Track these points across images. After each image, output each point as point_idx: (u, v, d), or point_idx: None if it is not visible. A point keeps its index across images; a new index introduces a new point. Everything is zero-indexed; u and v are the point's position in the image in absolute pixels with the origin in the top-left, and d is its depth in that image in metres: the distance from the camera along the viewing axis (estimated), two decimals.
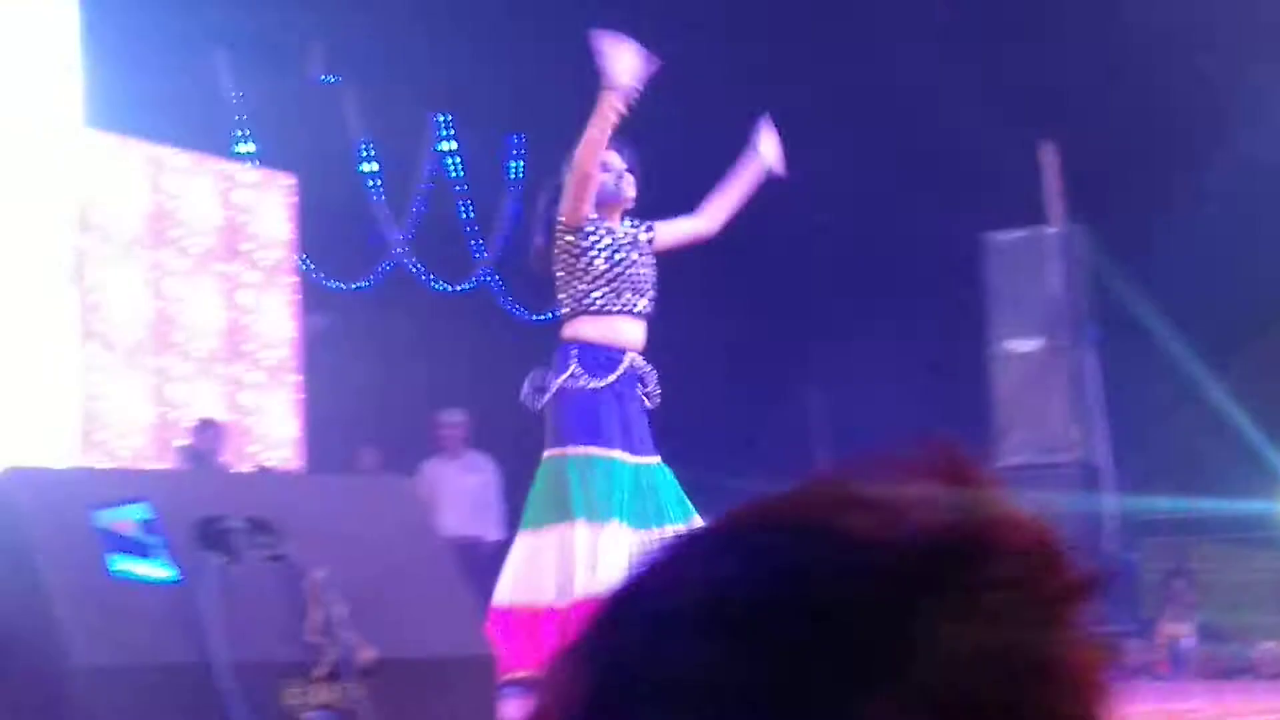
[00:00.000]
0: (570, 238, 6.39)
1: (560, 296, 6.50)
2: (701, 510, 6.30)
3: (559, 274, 6.49)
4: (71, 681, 3.59)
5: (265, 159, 12.84)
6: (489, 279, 14.42)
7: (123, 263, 11.84)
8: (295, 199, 12.77)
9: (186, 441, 11.23)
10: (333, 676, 3.92)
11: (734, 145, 6.89)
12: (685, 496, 6.36)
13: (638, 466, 6.33)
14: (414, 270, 13.98)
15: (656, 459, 6.47)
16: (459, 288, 14.29)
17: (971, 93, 11.80)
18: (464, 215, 14.36)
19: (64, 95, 11.77)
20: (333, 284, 13.54)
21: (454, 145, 14.34)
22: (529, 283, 15.14)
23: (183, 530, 3.95)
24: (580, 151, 6.26)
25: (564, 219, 6.38)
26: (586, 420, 6.30)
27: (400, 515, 4.41)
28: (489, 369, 13.28)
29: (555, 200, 6.48)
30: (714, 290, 12.48)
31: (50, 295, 11.60)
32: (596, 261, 6.38)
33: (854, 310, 12.88)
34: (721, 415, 13.30)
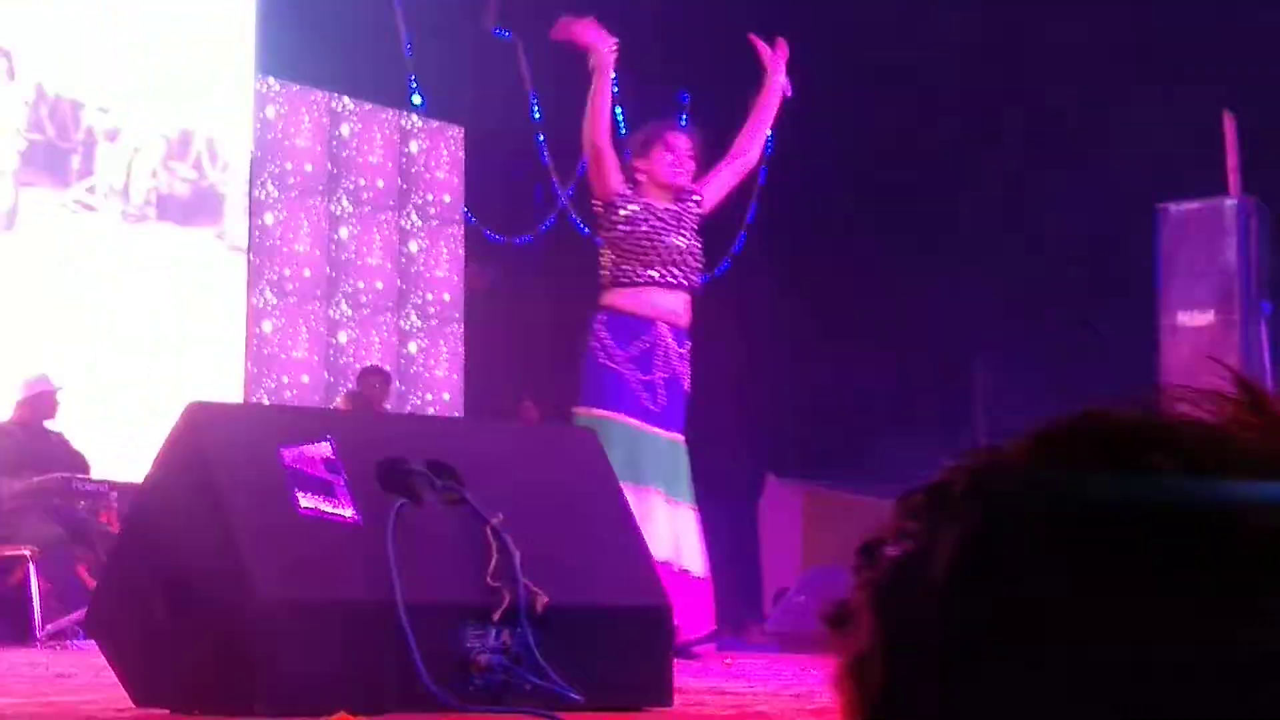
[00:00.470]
0: (601, 210, 6.48)
1: (600, 262, 6.60)
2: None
3: (598, 243, 6.61)
4: (257, 615, 3.62)
5: (436, 111, 12.92)
6: None
7: (295, 209, 11.98)
8: (464, 151, 12.84)
9: (351, 387, 11.36)
10: (509, 621, 3.93)
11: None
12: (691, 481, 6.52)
13: (670, 441, 6.44)
14: (578, 225, 13.99)
15: (679, 437, 6.55)
16: None
17: (1150, 59, 11.58)
18: None
19: (239, 44, 11.93)
20: (497, 237, 13.59)
21: (619, 104, 14.31)
22: None
23: (365, 471, 3.97)
24: (585, 128, 6.38)
25: (594, 193, 6.48)
26: (605, 385, 6.43)
27: (580, 464, 4.41)
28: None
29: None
30: (880, 266, 12.39)
31: (223, 240, 11.78)
32: (626, 234, 6.45)
33: (1021, 281, 12.71)
34: (889, 389, 13.20)
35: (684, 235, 6.61)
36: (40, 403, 9.61)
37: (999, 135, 12.46)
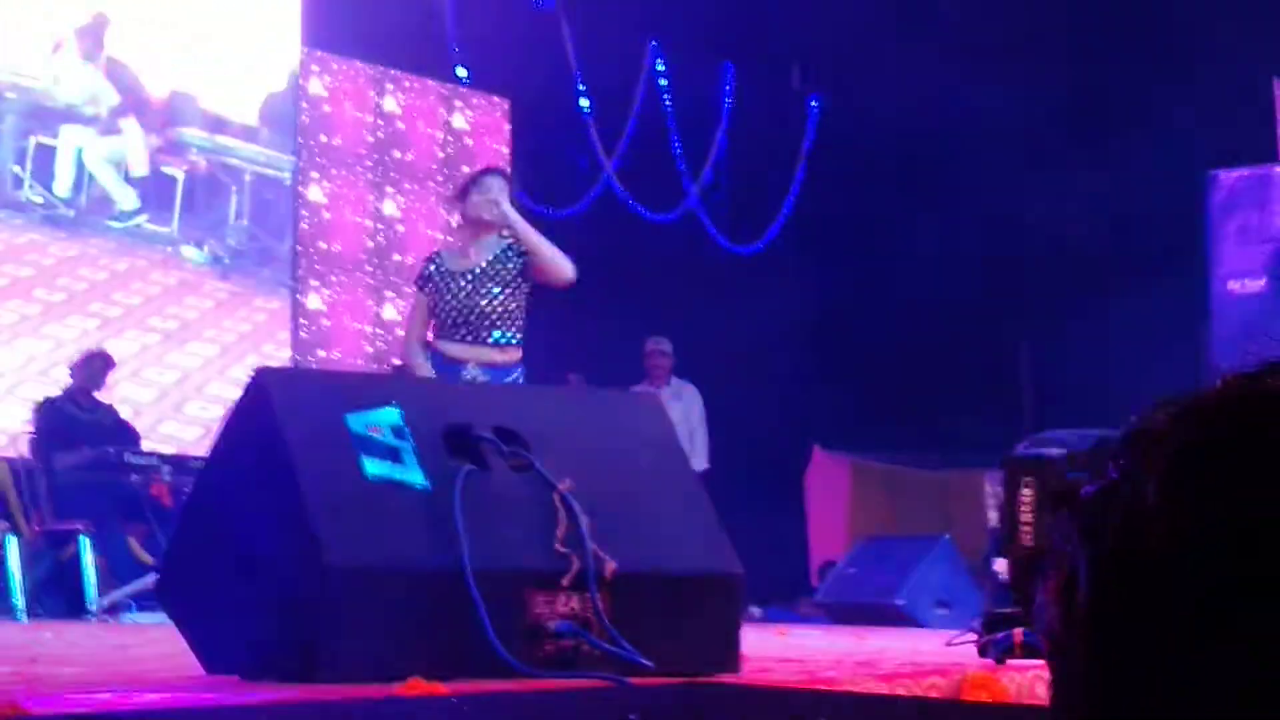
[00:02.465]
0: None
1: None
2: None
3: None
4: (327, 580, 3.61)
5: (481, 83, 12.89)
6: (697, 208, 14.35)
7: (341, 183, 11.98)
8: (510, 124, 12.82)
9: (400, 361, 11.36)
10: (577, 587, 3.91)
11: None
12: None
13: None
14: (623, 198, 13.95)
15: None
16: (667, 216, 14.24)
17: (1200, 26, 11.48)
18: (674, 145, 14.29)
19: (285, 17, 11.92)
20: (543, 209, 13.56)
21: (664, 76, 14.28)
22: (737, 213, 15.12)
23: (432, 437, 3.95)
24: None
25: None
26: None
27: (646, 430, 4.37)
28: (695, 297, 13.26)
29: None
30: (924, 237, 12.33)
31: (271, 212, 11.78)
32: None
33: (1068, 252, 12.62)
34: (934, 362, 13.15)
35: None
36: (91, 369, 9.62)
37: (1045, 105, 12.37)
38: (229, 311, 11.50)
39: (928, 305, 13.02)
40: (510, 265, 6.21)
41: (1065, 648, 0.88)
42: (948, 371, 13.08)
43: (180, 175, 11.49)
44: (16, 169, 11.00)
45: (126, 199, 11.42)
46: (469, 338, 6.11)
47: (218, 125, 11.65)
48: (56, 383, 9.91)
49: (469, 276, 6.16)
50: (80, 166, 11.22)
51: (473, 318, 6.11)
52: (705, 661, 4.03)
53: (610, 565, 3.95)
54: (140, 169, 11.45)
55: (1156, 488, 0.85)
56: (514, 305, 6.23)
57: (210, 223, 11.63)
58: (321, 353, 11.67)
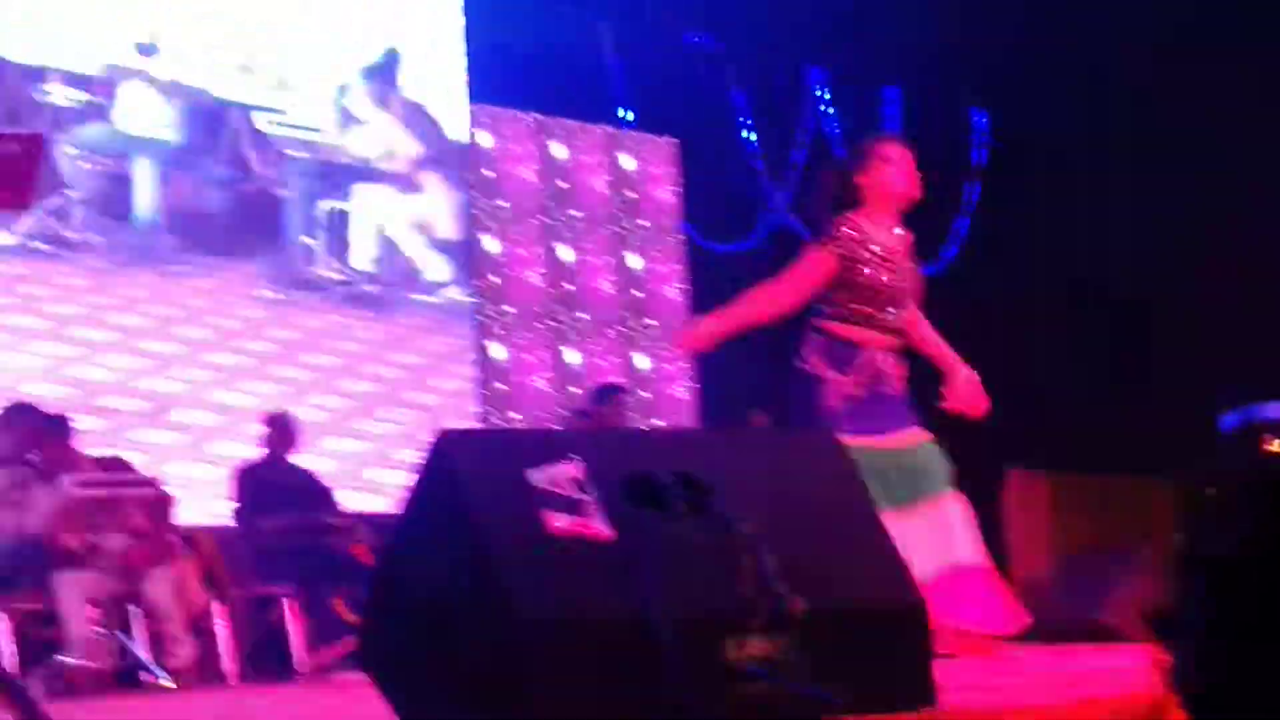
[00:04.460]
0: None
1: None
2: None
3: None
4: (518, 636, 3.66)
5: (646, 123, 12.99)
6: None
7: (514, 233, 12.12)
8: (678, 162, 12.90)
9: (583, 405, 11.43)
10: (766, 629, 3.92)
11: None
12: None
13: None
14: (796, 228, 13.95)
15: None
16: None
17: None
18: None
19: (452, 70, 12.10)
20: (716, 245, 13.60)
21: (828, 103, 14.27)
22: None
23: (613, 487, 3.99)
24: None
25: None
26: None
27: (823, 466, 4.39)
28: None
29: None
30: (1108, 253, 12.19)
31: (447, 263, 11.94)
32: None
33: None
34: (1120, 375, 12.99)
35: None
36: (280, 435, 9.79)
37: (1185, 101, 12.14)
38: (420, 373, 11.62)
39: (1113, 318, 12.85)
40: None
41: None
42: (1136, 382, 12.89)
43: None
44: (308, 239, 10.97)
45: (434, 267, 11.40)
46: None
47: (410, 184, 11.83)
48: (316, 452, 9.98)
49: None
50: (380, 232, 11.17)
51: None
52: (899, 696, 4.02)
53: (798, 604, 3.96)
54: (448, 230, 11.44)
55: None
56: None
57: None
58: (502, 407, 11.79)
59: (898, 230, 6.71)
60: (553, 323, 12.10)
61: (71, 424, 8.76)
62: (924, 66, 13.57)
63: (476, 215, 11.92)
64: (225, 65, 10.83)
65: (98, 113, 10.46)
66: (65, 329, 10.19)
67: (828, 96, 14.16)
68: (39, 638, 8.09)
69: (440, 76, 11.99)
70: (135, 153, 10.51)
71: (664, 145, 13.05)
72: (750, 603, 3.92)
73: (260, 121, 10.96)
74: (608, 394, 11.14)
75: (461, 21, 12.05)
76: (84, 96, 10.42)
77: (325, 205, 11.02)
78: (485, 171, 12.04)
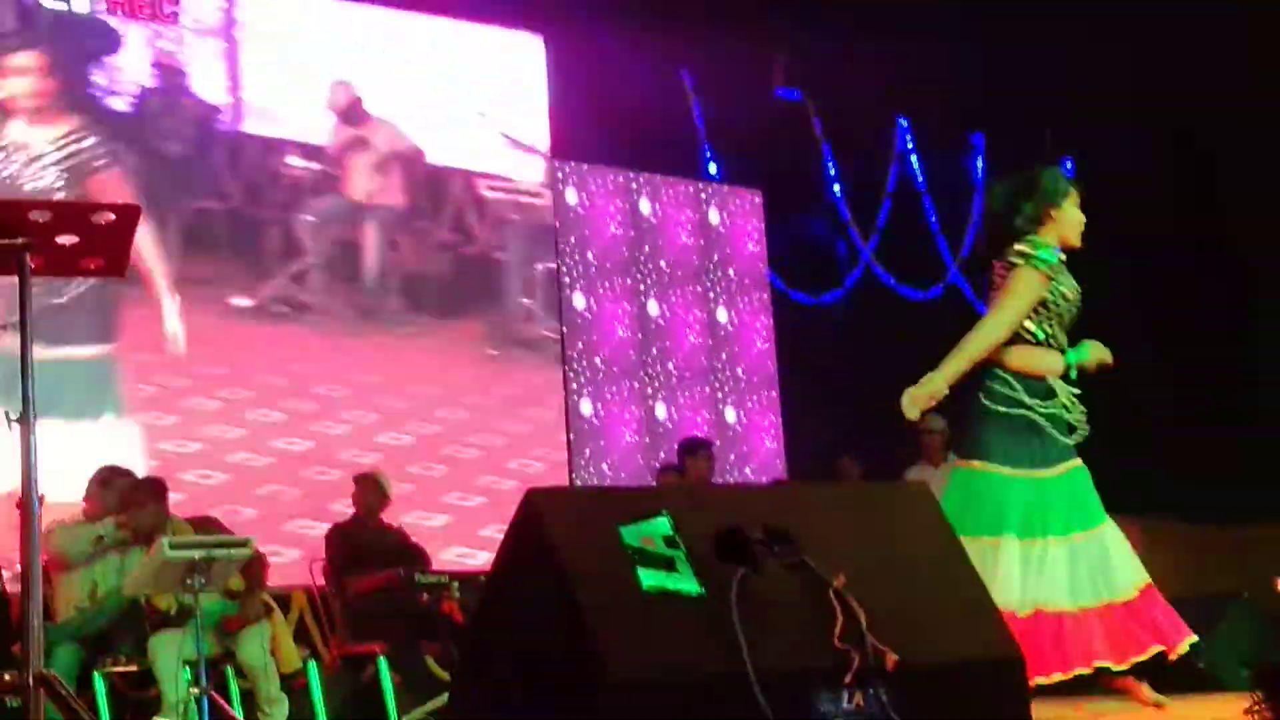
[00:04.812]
0: None
1: None
2: None
3: None
4: (609, 697, 3.65)
5: (732, 176, 13.01)
6: (959, 281, 14.25)
7: (602, 288, 12.15)
8: (764, 214, 12.91)
9: (670, 460, 11.41)
10: (860, 683, 3.90)
11: None
12: None
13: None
14: (883, 278, 13.93)
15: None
16: (929, 293, 14.16)
17: None
18: (930, 219, 14.24)
19: (534, 126, 12.17)
20: (803, 296, 13.60)
21: (914, 152, 14.26)
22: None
23: (703, 543, 3.99)
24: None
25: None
26: None
27: (914, 518, 4.36)
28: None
29: None
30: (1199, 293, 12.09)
31: (533, 320, 11.99)
32: None
33: None
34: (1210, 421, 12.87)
35: None
36: (369, 496, 9.84)
37: None
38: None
39: (1206, 363, 12.74)
40: None
41: None
42: (1226, 430, 12.76)
43: None
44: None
45: None
46: None
47: None
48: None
49: None
50: None
51: None
52: None
53: (891, 658, 3.93)
54: None
55: None
56: None
57: None
58: (593, 461, 11.80)
59: None
60: (641, 377, 12.12)
61: (166, 486, 8.83)
62: (1010, 116, 13.55)
63: (564, 271, 11.98)
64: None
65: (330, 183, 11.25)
66: (307, 386, 10.93)
67: (911, 145, 14.15)
68: (135, 699, 8.14)
69: (522, 132, 12.09)
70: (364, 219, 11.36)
71: (749, 198, 13.07)
72: (842, 657, 3.90)
73: (481, 187, 11.69)
74: (696, 448, 11.10)
75: (544, 79, 12.13)
76: (317, 166, 11.19)
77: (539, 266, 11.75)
78: (570, 226, 12.10)
